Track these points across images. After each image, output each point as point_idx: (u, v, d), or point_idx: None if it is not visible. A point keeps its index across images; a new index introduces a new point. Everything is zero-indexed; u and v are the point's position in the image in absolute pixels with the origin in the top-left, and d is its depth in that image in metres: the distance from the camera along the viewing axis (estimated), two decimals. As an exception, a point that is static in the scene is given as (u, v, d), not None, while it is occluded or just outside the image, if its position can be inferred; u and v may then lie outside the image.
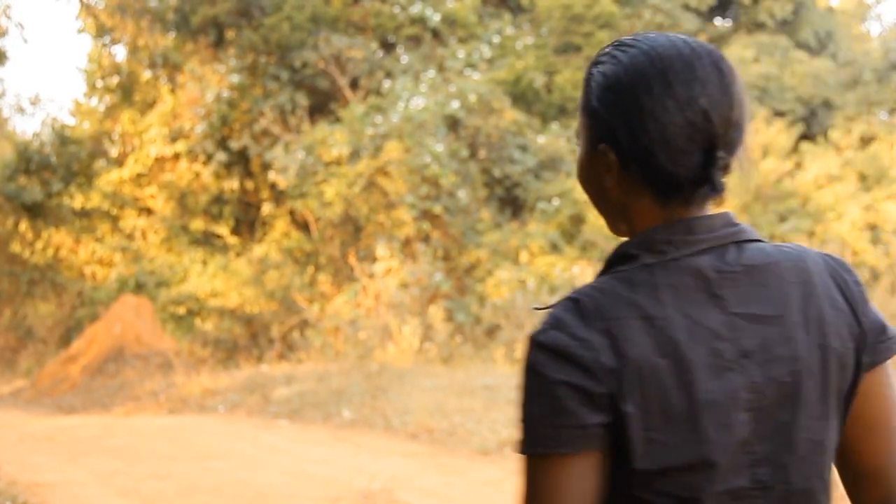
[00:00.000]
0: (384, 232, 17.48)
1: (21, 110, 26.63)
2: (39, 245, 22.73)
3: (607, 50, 1.58)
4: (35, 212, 22.68)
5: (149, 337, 18.20)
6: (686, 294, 1.43)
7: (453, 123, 18.20)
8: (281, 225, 20.33)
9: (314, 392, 13.96)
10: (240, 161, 20.92)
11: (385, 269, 16.87)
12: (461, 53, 19.99)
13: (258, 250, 19.98)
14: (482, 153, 18.26)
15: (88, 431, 12.66)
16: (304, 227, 19.99)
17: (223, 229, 21.27)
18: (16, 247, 22.66)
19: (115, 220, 22.75)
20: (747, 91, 1.51)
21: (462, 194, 17.41)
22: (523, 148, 18.79)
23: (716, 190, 1.46)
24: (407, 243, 17.41)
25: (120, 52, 23.43)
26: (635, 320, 1.41)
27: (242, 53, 20.73)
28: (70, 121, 24.34)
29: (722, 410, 1.41)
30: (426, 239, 17.36)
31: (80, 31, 23.80)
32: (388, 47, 21.44)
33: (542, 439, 1.44)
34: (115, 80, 22.87)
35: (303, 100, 20.11)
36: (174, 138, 21.40)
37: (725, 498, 1.43)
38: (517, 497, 1.47)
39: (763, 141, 16.26)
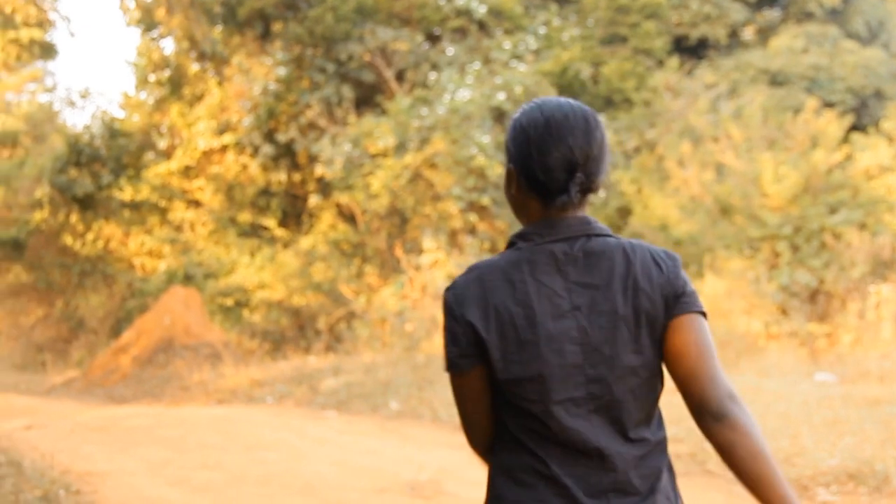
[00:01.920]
0: (430, 224, 17.50)
1: (72, 104, 26.96)
2: (90, 237, 22.98)
3: (523, 107, 2.35)
4: (85, 204, 22.93)
5: (197, 328, 18.35)
6: (540, 267, 2.24)
7: (499, 115, 18.18)
8: (327, 217, 20.40)
9: (361, 383, 14.02)
10: (286, 153, 21.01)
11: (431, 261, 16.89)
12: (507, 45, 19.94)
13: (305, 242, 20.06)
14: (529, 145, 18.25)
15: (139, 421, 12.79)
16: (350, 219, 20.05)
17: (270, 221, 21.39)
18: (67, 239, 22.92)
19: (163, 212, 22.95)
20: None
21: (508, 186, 17.41)
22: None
23: (571, 198, 2.27)
24: (453, 235, 17.42)
25: (168, 46, 23.63)
26: (501, 281, 2.25)
27: (289, 46, 20.81)
28: (120, 114, 24.60)
29: (556, 342, 2.20)
30: (473, 230, 17.36)
31: (129, 25, 24.01)
32: (433, 39, 21.44)
33: (448, 363, 2.30)
34: (164, 73, 23.04)
35: (349, 92, 20.16)
36: (222, 131, 21.54)
37: (569, 404, 2.20)
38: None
39: (812, 132, 16.11)
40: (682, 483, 7.70)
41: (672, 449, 7.55)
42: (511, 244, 2.31)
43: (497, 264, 2.27)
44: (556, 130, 2.25)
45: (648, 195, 16.88)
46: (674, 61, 19.94)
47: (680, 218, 16.27)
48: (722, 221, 16.02)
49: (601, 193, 17.49)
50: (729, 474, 7.88)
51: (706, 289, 14.86)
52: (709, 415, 2.19)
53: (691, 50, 21.80)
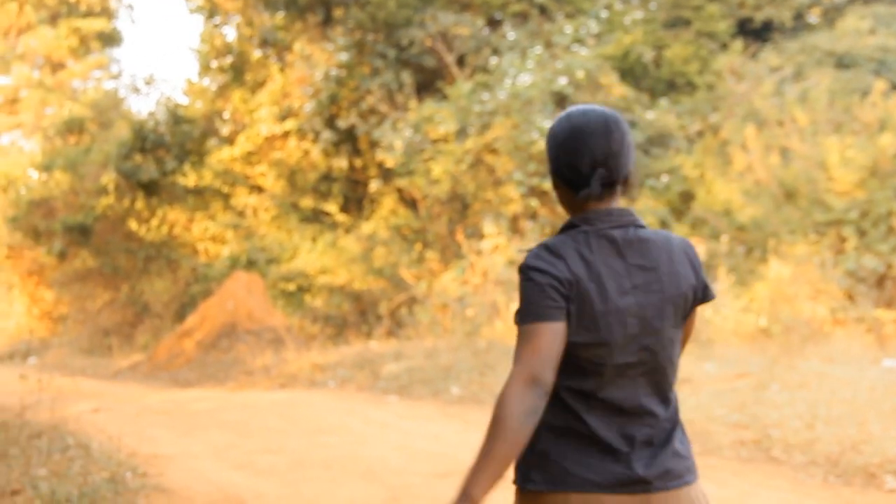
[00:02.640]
0: (491, 209, 17.47)
1: (136, 90, 27.31)
2: (154, 222, 23.25)
3: (557, 116, 2.80)
4: (150, 190, 23.19)
5: (260, 313, 18.51)
6: (604, 249, 2.62)
7: (561, 99, 18.09)
8: (389, 202, 20.45)
9: (422, 368, 14.05)
10: (348, 139, 21.07)
11: (492, 246, 16.87)
12: (568, 29, 19.81)
13: (366, 228, 20.13)
14: (590, 129, 18.13)
15: (203, 405, 12.94)
16: (411, 204, 20.08)
17: (332, 207, 21.48)
18: (132, 224, 23.21)
19: (226, 197, 23.15)
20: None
21: (570, 171, 17.30)
22: (632, 124, 18.59)
23: (593, 191, 2.65)
24: (514, 220, 17.38)
25: (231, 32, 23.78)
26: (576, 256, 2.59)
27: (350, 32, 20.85)
28: (183, 100, 24.81)
29: (621, 315, 2.58)
30: (534, 216, 17.31)
31: (192, 12, 24.21)
32: (494, 24, 21.38)
33: (537, 314, 2.54)
34: (226, 59, 23.21)
35: (409, 77, 20.16)
36: (284, 117, 21.65)
37: (623, 367, 2.58)
38: (517, 351, 2.55)
39: (880, 115, 15.84)
40: (746, 470, 7.64)
41: (736, 435, 7.48)
42: (572, 226, 2.66)
43: (569, 244, 2.62)
44: (578, 133, 2.68)
45: (711, 180, 16.72)
46: (738, 44, 19.68)
47: (744, 202, 16.10)
48: (787, 206, 15.82)
49: (663, 179, 17.38)
50: (794, 461, 7.82)
51: (770, 274, 14.71)
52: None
53: (756, 32, 21.52)
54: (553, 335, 2.52)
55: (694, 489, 2.70)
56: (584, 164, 2.66)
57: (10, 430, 10.49)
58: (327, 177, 21.74)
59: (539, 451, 2.59)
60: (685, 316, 2.69)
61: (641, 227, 2.69)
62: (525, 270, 2.59)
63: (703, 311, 14.12)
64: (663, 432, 2.63)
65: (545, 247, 2.61)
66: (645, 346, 2.59)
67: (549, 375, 2.51)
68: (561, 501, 2.55)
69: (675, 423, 2.67)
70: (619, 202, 2.73)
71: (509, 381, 2.51)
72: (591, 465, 2.55)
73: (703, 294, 2.72)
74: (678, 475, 2.63)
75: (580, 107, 2.77)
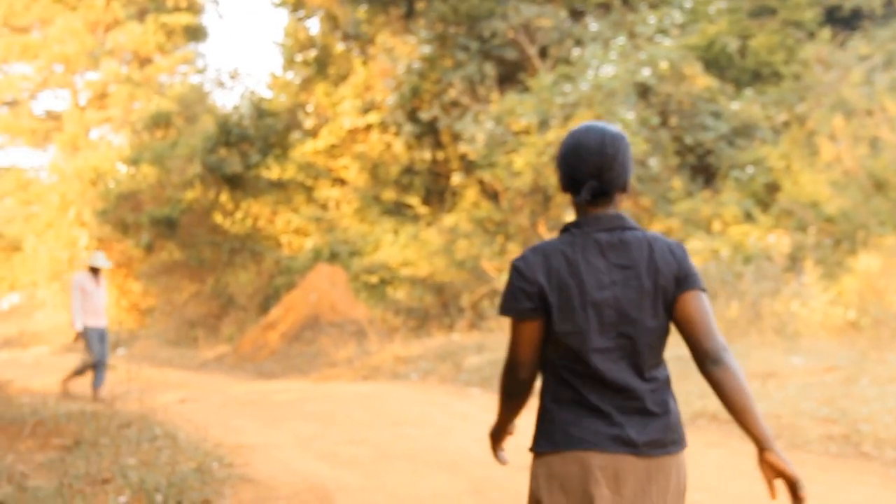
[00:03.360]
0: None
1: (221, 85, 27.59)
2: (239, 215, 23.51)
3: (575, 128, 3.20)
4: (235, 183, 23.46)
5: (343, 305, 18.63)
6: (589, 249, 3.07)
7: (644, 91, 17.94)
8: (471, 195, 20.44)
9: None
10: (430, 132, 21.11)
11: (574, 239, 16.77)
12: (652, 19, 19.62)
13: (448, 220, 20.14)
14: (673, 120, 17.95)
15: (287, 396, 13.06)
16: (493, 196, 20.06)
17: (414, 199, 21.54)
18: (217, 217, 23.49)
19: (309, 190, 23.33)
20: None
21: (653, 163, 17.15)
22: (716, 115, 18.38)
23: (582, 198, 3.10)
24: (596, 212, 17.26)
25: (314, 26, 23.95)
26: (560, 257, 3.07)
27: (432, 24, 20.87)
28: (267, 94, 25.03)
29: (599, 306, 3.03)
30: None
31: (276, 6, 24.43)
32: (577, 15, 21.26)
33: (507, 310, 3.11)
34: (310, 53, 23.37)
35: (491, 70, 20.13)
36: (366, 110, 21.75)
37: (601, 351, 3.03)
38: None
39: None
40: (835, 465, 7.51)
41: (825, 430, 7.36)
42: (565, 230, 3.14)
43: (556, 245, 3.10)
44: (576, 148, 3.13)
45: (798, 171, 16.46)
46: (825, 33, 19.34)
47: (831, 194, 15.83)
48: (876, 197, 15.53)
49: (748, 170, 17.14)
50: (885, 457, 7.67)
51: (859, 266, 14.45)
52: (708, 360, 3.06)
53: (844, 21, 21.12)
54: (522, 331, 3.10)
55: (676, 458, 3.13)
56: (579, 175, 3.12)
57: (100, 420, 10.69)
58: (409, 169, 21.80)
59: (547, 421, 3.12)
60: (668, 307, 3.09)
61: (631, 229, 3.11)
62: (511, 269, 3.16)
63: (789, 304, 13.94)
64: (653, 404, 3.07)
65: (535, 248, 3.14)
66: (622, 332, 3.05)
67: (525, 368, 3.15)
68: (561, 459, 3.07)
69: (663, 398, 3.11)
70: (615, 208, 3.15)
71: (504, 366, 3.21)
72: (590, 428, 3.04)
73: (686, 283, 3.09)
74: (663, 445, 3.07)
75: (586, 124, 3.19)
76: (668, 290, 3.07)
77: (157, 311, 25.54)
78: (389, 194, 22.00)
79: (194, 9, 35.13)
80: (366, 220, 22.01)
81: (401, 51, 21.27)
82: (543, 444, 3.13)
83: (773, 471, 3.13)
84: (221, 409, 12.36)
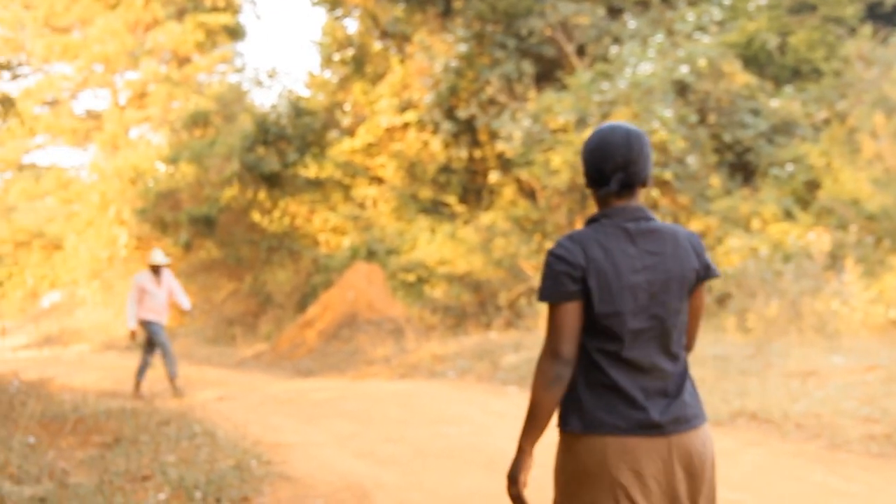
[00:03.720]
0: (611, 199, 17.31)
1: (259, 84, 27.64)
2: (276, 214, 23.60)
3: (598, 127, 3.41)
4: (272, 181, 23.54)
5: (380, 303, 18.65)
6: (619, 237, 3.29)
7: (682, 88, 17.84)
8: (508, 193, 20.42)
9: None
10: (467, 130, 21.10)
11: (612, 237, 16.71)
12: (691, 17, 19.51)
13: (485, 218, 20.13)
14: (712, 118, 17.84)
15: (325, 394, 13.09)
16: (530, 195, 20.02)
17: (451, 198, 21.53)
18: (255, 216, 23.59)
19: (346, 189, 23.38)
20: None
21: (691, 160, 17.05)
22: (755, 112, 18.25)
23: (610, 189, 3.32)
24: (635, 210, 17.18)
25: (352, 25, 23.99)
26: (595, 244, 3.27)
27: (470, 22, 20.86)
28: (305, 93, 25.11)
29: (633, 290, 3.25)
30: (654, 206, 17.11)
31: (314, 5, 24.49)
32: (615, 13, 21.17)
33: (549, 296, 3.27)
34: (347, 52, 23.41)
35: (529, 68, 20.08)
36: (403, 108, 21.77)
37: (636, 332, 3.24)
38: (547, 327, 3.30)
39: None
40: (876, 465, 7.43)
41: (866, 429, 7.28)
42: (595, 220, 3.36)
43: (590, 234, 3.31)
44: (604, 144, 3.36)
45: (838, 168, 16.32)
46: (866, 29, 19.14)
47: (872, 191, 15.68)
48: (919, 195, 15.37)
49: (788, 168, 17.01)
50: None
51: (902, 265, 14.32)
52: (687, 349, 3.47)
53: (886, 17, 20.90)
54: (566, 313, 3.25)
55: (701, 430, 3.34)
56: (607, 168, 3.34)
57: (140, 417, 10.76)
58: (446, 168, 21.80)
59: (576, 400, 3.29)
60: (690, 291, 3.37)
61: (652, 219, 3.35)
62: (549, 256, 3.31)
63: (830, 303, 13.83)
64: (674, 385, 3.31)
65: (570, 237, 3.32)
66: (654, 314, 3.27)
67: (567, 348, 3.26)
68: (593, 443, 3.25)
69: (684, 377, 3.35)
70: (637, 201, 3.38)
71: (540, 356, 3.30)
72: (617, 411, 3.24)
73: (705, 273, 3.39)
74: (686, 420, 3.29)
75: (610, 123, 3.42)
76: (690, 277, 3.34)
77: (195, 309, 25.68)
78: (426, 193, 22.00)
79: (232, 8, 35.29)
80: (403, 218, 22.02)
81: (438, 49, 21.27)
82: (573, 423, 3.30)
83: None
84: (259, 406, 12.41)
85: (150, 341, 14.13)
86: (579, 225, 17.08)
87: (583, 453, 3.26)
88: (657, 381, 3.28)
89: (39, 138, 39.04)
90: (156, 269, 14.29)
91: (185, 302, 14.75)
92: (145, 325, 14.24)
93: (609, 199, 3.37)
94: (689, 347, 3.47)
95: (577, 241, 3.28)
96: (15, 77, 38.81)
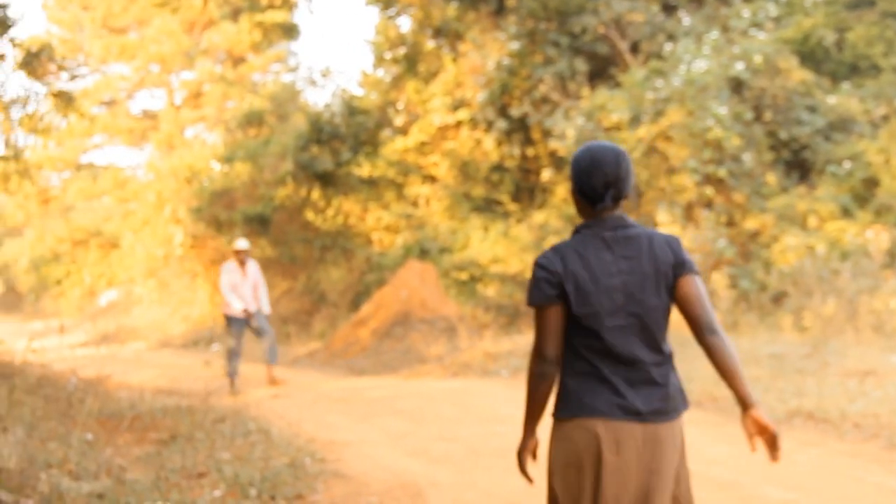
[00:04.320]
0: (665, 197, 17.21)
1: (313, 83, 27.76)
2: (330, 213, 23.69)
3: (579, 148, 3.81)
4: (326, 180, 23.64)
5: (433, 302, 18.67)
6: (598, 246, 3.69)
7: (737, 85, 17.69)
8: (560, 191, 20.35)
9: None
10: (520, 128, 21.06)
11: (666, 235, 16.60)
12: (746, 13, 19.33)
13: (538, 217, 20.08)
14: (768, 115, 17.67)
15: (378, 393, 13.13)
16: (584, 193, 19.93)
17: (503, 196, 21.51)
18: (309, 214, 23.70)
19: (399, 187, 23.42)
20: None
21: (747, 158, 16.90)
22: (812, 109, 18.06)
23: (605, 204, 3.71)
24: (689, 209, 17.09)
25: (405, 24, 24.03)
26: (573, 253, 3.68)
27: (522, 20, 20.82)
28: (358, 92, 25.18)
29: (609, 292, 3.63)
30: (709, 204, 16.98)
31: (367, 4, 24.57)
32: (669, 9, 21.04)
33: (534, 300, 3.70)
34: (400, 51, 23.45)
35: (582, 65, 20.01)
36: (456, 107, 21.78)
37: (616, 329, 3.62)
38: (535, 330, 3.75)
39: None
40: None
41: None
42: (578, 231, 3.79)
43: (569, 245, 3.76)
44: (595, 163, 3.76)
45: (898, 165, 16.12)
46: (926, 24, 18.91)
47: (932, 189, 15.48)
48: (980, 192, 15.14)
49: (845, 165, 16.81)
50: None
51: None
52: (706, 330, 3.66)
53: (945, 11, 20.62)
54: (548, 316, 3.70)
55: (675, 424, 3.72)
56: (599, 185, 3.75)
57: (195, 415, 10.86)
58: (499, 166, 21.77)
59: (567, 390, 3.72)
60: (669, 289, 3.71)
61: (632, 227, 3.76)
62: (534, 265, 3.77)
63: (888, 301, 13.65)
64: (656, 376, 3.68)
65: (553, 248, 3.77)
66: (631, 312, 3.67)
67: (550, 349, 3.71)
68: (577, 424, 3.66)
69: (667, 370, 3.73)
70: (619, 211, 3.80)
71: (530, 356, 3.76)
72: (602, 397, 3.64)
73: (682, 269, 3.72)
74: (665, 413, 3.67)
75: (597, 142, 3.85)
76: (667, 275, 3.70)
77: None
78: (479, 191, 21.99)
79: (287, 4, 35.46)
80: (455, 216, 22.03)
81: (491, 47, 21.25)
82: (562, 410, 3.73)
83: (755, 426, 3.65)
84: (313, 404, 12.48)
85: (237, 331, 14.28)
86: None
87: (571, 435, 3.67)
88: (639, 371, 3.66)
89: (97, 138, 39.52)
90: (241, 260, 14.35)
91: (265, 304, 14.69)
92: (226, 317, 14.37)
93: (598, 213, 3.78)
94: (704, 327, 3.68)
95: (558, 252, 3.74)
96: (73, 78, 39.37)
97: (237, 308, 14.25)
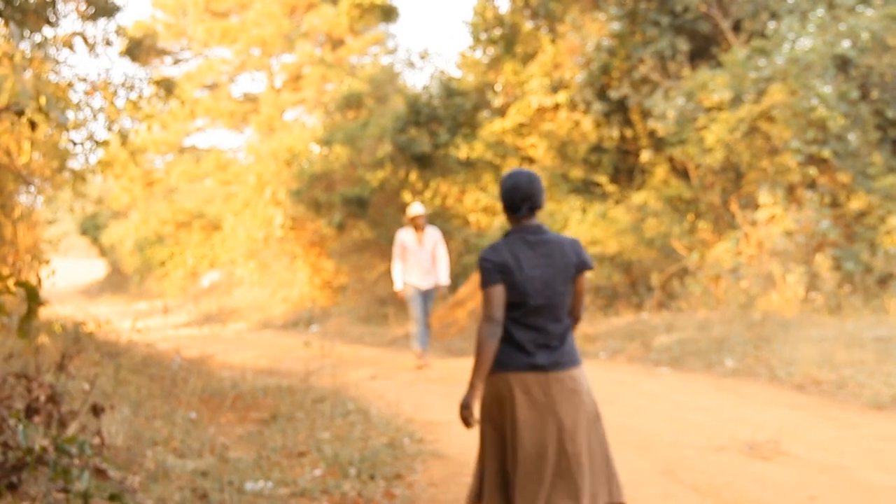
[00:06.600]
0: (767, 178, 16.94)
1: (411, 65, 27.78)
2: (428, 194, 23.76)
3: (505, 174, 5.25)
4: (424, 162, 23.70)
5: (531, 283, 18.60)
6: (523, 246, 5.05)
7: (843, 64, 17.31)
8: (660, 172, 20.15)
9: (695, 340, 13.83)
10: (619, 110, 20.87)
11: (768, 217, 16.37)
12: (852, -11, 18.89)
13: (637, 198, 19.91)
14: (874, 94, 17.26)
15: (476, 374, 13.12)
16: (683, 174, 19.72)
17: (602, 177, 21.35)
18: (407, 196, 23.81)
19: (497, 169, 23.38)
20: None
21: (852, 137, 16.53)
22: (920, 87, 17.59)
23: (523, 213, 5.10)
24: (791, 189, 16.79)
25: (503, 4, 23.94)
26: (507, 250, 5.04)
27: (622, 1, 20.61)
28: (456, 73, 25.17)
29: (531, 281, 4.99)
30: (812, 185, 16.67)
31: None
32: (772, -13, 20.64)
33: (488, 282, 4.98)
34: (498, 32, 23.38)
35: (683, 45, 19.74)
36: (555, 88, 21.65)
37: (536, 307, 4.99)
38: (483, 303, 5.01)
39: None
40: None
41: None
42: (508, 235, 5.07)
43: (504, 244, 5.05)
44: (515, 184, 5.10)
45: None
46: None
47: None
48: None
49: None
50: None
51: None
52: (576, 319, 5.23)
53: None
54: (495, 292, 4.94)
55: (575, 370, 5.06)
56: (517, 200, 5.08)
57: (296, 395, 11.01)
58: (598, 147, 21.61)
59: (498, 352, 4.97)
60: (571, 281, 5.08)
61: (545, 233, 5.07)
62: (481, 259, 5.02)
63: None
64: (557, 340, 5.03)
65: (491, 247, 5.06)
66: (546, 295, 4.98)
67: (497, 313, 4.93)
68: (500, 377, 4.97)
69: (565, 336, 5.06)
70: (535, 220, 5.14)
71: (481, 319, 4.94)
72: (515, 357, 4.97)
73: (583, 267, 5.12)
74: (563, 364, 5.01)
75: (516, 169, 5.18)
76: (571, 270, 5.07)
77: (348, 288, 26.09)
78: (577, 172, 21.86)
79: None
80: (553, 198, 21.92)
81: (590, 28, 21.08)
82: (493, 365, 4.98)
83: None
84: (411, 385, 12.56)
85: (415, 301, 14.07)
86: (734, 205, 16.85)
87: (496, 383, 4.99)
88: (545, 336, 4.99)
89: (199, 121, 40.20)
90: (417, 225, 14.11)
91: (444, 275, 14.32)
92: (405, 287, 14.18)
93: (520, 220, 5.09)
94: (577, 318, 5.25)
95: (497, 249, 5.04)
96: (177, 62, 40.06)
97: (398, 287, 14.13)
